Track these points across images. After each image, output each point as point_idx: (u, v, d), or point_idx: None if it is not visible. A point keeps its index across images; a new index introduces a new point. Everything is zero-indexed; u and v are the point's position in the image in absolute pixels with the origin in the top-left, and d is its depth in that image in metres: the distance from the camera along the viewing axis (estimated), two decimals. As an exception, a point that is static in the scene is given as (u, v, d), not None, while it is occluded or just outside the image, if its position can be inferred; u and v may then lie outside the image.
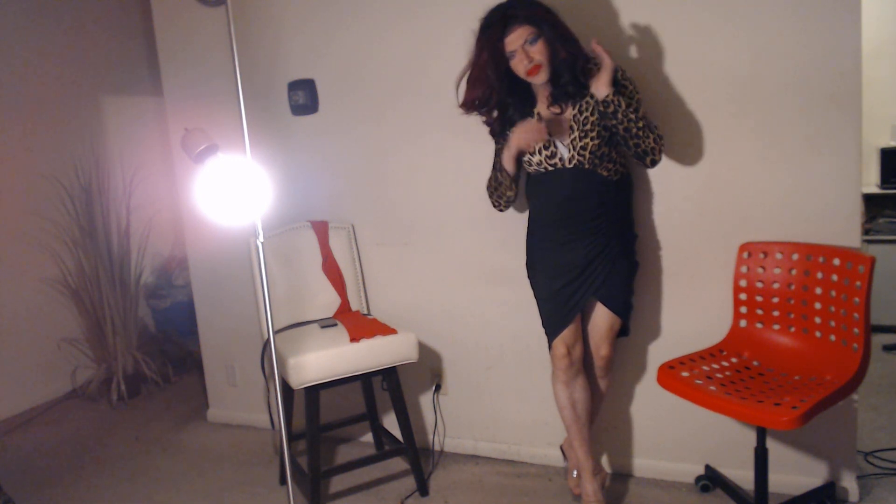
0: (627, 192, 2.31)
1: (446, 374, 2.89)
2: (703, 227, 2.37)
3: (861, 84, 2.12)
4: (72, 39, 4.09)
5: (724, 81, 2.26)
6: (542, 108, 2.21)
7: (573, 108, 2.15)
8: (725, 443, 2.45)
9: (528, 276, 2.38)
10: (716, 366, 2.18)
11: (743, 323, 2.29)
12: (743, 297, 2.28)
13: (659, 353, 2.49)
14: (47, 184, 3.89)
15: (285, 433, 2.21)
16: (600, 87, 2.07)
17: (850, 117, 2.14)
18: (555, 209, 2.23)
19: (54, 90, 3.99)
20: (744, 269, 2.28)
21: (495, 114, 2.24)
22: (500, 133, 2.28)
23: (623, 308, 2.29)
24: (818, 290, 2.14)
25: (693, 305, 2.43)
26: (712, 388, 2.03)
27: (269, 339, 2.20)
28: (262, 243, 2.10)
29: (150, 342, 4.21)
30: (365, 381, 2.81)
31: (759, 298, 2.25)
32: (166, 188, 4.16)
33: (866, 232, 3.95)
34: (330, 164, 2.96)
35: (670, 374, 2.13)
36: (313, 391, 2.45)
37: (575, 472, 2.49)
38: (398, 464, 2.83)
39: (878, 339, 3.75)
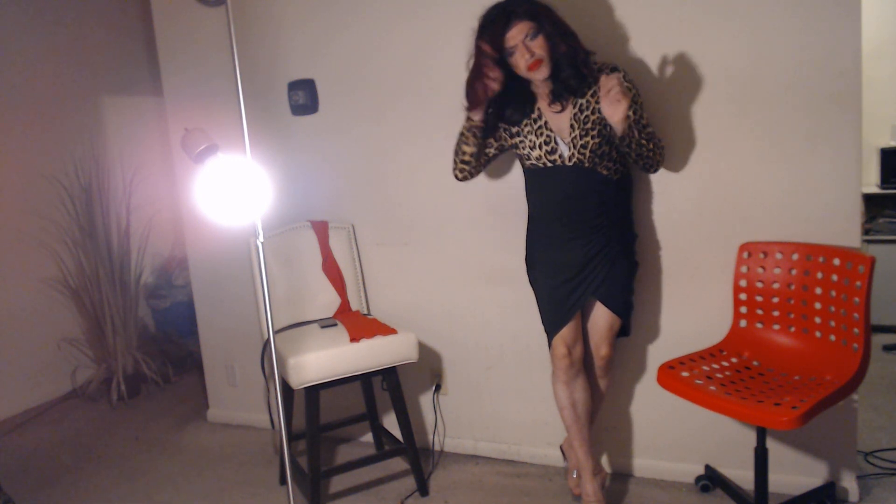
0: (627, 192, 2.31)
1: (446, 374, 2.89)
2: (703, 227, 2.37)
3: (861, 84, 2.12)
4: (72, 39, 4.09)
5: (724, 81, 2.26)
6: (542, 106, 2.20)
7: (574, 107, 2.15)
8: (725, 443, 2.45)
9: (528, 274, 2.38)
10: (716, 366, 2.18)
11: (743, 323, 2.29)
12: (743, 297, 2.28)
13: (659, 353, 2.49)
14: (47, 184, 3.89)
15: (285, 433, 2.21)
16: (617, 123, 2.01)
17: (850, 117, 2.14)
18: (554, 208, 2.23)
19: (54, 90, 3.99)
20: (744, 269, 2.28)
21: (490, 110, 2.21)
22: (491, 131, 2.26)
23: (623, 308, 2.29)
24: (818, 290, 2.14)
25: (693, 305, 2.43)
26: (712, 388, 2.03)
27: (269, 339, 2.20)
28: (262, 243, 2.10)
29: (150, 342, 4.21)
30: (365, 381, 2.80)
31: (759, 298, 2.25)
32: (166, 188, 4.16)
33: (866, 232, 3.95)
34: (330, 164, 2.96)
35: (670, 374, 2.13)
36: (313, 391, 2.45)
37: (575, 472, 2.49)
38: (398, 464, 2.83)
39: (878, 339, 3.75)
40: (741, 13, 2.21)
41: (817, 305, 2.14)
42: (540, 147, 2.19)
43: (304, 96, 2.91)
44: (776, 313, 2.23)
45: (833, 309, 2.08)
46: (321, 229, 2.87)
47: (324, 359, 2.42)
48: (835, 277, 2.09)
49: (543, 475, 2.69)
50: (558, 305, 2.25)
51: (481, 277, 2.74)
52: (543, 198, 2.26)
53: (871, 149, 4.04)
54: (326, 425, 2.90)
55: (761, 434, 2.10)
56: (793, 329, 2.20)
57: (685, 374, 2.12)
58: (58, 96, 4.01)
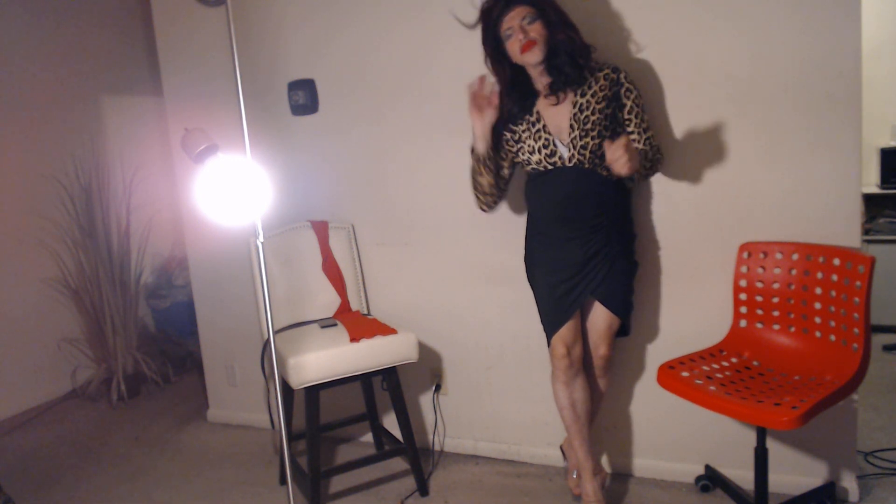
0: (626, 192, 2.31)
1: (446, 374, 2.89)
2: (703, 227, 2.37)
3: (861, 84, 2.12)
4: (72, 39, 4.09)
5: (724, 81, 2.26)
6: (541, 106, 2.21)
7: (573, 107, 2.15)
8: (725, 443, 2.45)
9: (527, 274, 2.38)
10: (716, 366, 2.18)
11: (743, 323, 2.29)
12: (743, 297, 2.28)
13: (659, 353, 2.49)
14: (47, 184, 3.89)
15: (285, 433, 2.21)
16: (619, 169, 1.99)
17: (850, 117, 2.14)
18: (554, 208, 2.23)
19: (54, 90, 3.99)
20: (744, 269, 2.28)
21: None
22: (498, 140, 2.27)
23: (622, 308, 2.29)
24: (818, 290, 2.14)
25: (693, 305, 2.43)
26: (712, 388, 2.03)
27: (269, 339, 2.20)
28: (262, 243, 2.10)
29: (150, 342, 4.21)
30: (365, 381, 2.81)
31: (759, 298, 2.25)
32: (166, 188, 4.16)
33: (866, 232, 3.95)
34: (330, 164, 2.95)
35: (670, 374, 2.13)
36: (313, 391, 2.45)
37: (575, 473, 2.49)
38: (398, 464, 2.83)
39: (878, 339, 3.75)
40: (741, 13, 2.20)
41: (817, 305, 2.14)
42: (539, 151, 2.19)
43: (304, 96, 2.91)
44: (776, 313, 2.23)
45: (833, 309, 2.08)
46: (321, 229, 2.87)
47: (324, 359, 2.42)
48: (835, 277, 2.09)
49: (543, 475, 2.69)
50: (557, 305, 2.25)
51: (481, 277, 2.74)
52: (543, 199, 2.26)
53: (871, 149, 4.04)
54: (326, 425, 2.90)
55: (761, 434, 2.10)
56: (793, 329, 2.20)
57: (685, 374, 2.12)
58: (58, 96, 4.01)
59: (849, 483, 2.33)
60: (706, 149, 2.32)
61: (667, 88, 2.33)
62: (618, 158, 1.97)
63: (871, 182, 4.10)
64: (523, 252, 2.40)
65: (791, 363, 2.15)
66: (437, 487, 2.66)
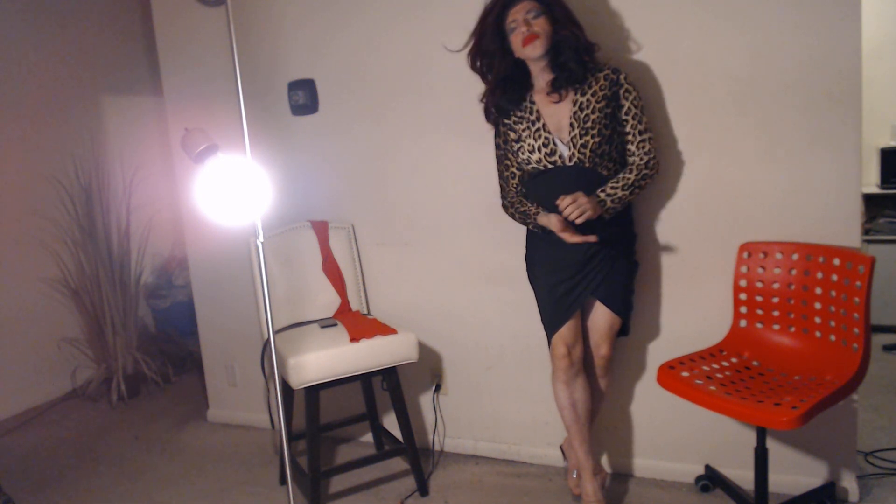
0: (627, 192, 2.31)
1: (446, 374, 2.89)
2: (703, 227, 2.37)
3: (861, 83, 2.12)
4: (72, 39, 4.09)
5: (725, 81, 2.26)
6: (540, 103, 2.20)
7: (574, 106, 2.15)
8: (725, 443, 2.45)
9: (528, 273, 2.38)
10: (716, 366, 2.18)
11: (743, 323, 2.29)
12: (743, 297, 2.28)
13: (659, 353, 2.49)
14: (47, 184, 3.89)
15: (285, 433, 2.21)
16: (574, 219, 2.07)
17: (850, 117, 2.14)
18: (555, 208, 2.22)
19: (54, 90, 3.99)
20: (744, 269, 2.28)
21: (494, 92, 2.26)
22: (495, 117, 2.29)
23: (623, 307, 2.29)
24: (818, 290, 2.14)
25: (693, 305, 2.42)
26: (712, 388, 2.03)
27: (269, 339, 2.20)
28: (262, 243, 2.10)
29: (150, 342, 4.21)
30: (365, 381, 2.81)
31: (759, 298, 2.25)
32: (166, 188, 4.16)
33: (866, 232, 3.95)
34: (330, 164, 2.95)
35: (670, 374, 2.13)
36: (313, 391, 2.45)
37: (575, 473, 2.49)
38: (398, 464, 2.83)
39: (878, 339, 3.75)
40: (741, 13, 2.20)
41: (817, 305, 2.14)
42: (539, 150, 2.19)
43: (304, 96, 2.91)
44: (776, 313, 2.23)
45: (833, 309, 2.08)
46: (321, 229, 2.87)
47: (324, 359, 2.42)
48: (835, 277, 2.09)
49: (543, 475, 2.69)
50: (558, 304, 2.25)
51: (481, 277, 2.74)
52: (544, 199, 2.26)
53: (871, 149, 4.04)
54: (326, 425, 2.90)
55: (761, 434, 2.10)
56: (793, 329, 2.20)
57: (685, 374, 2.12)
58: (58, 96, 4.01)
59: (849, 483, 2.33)
60: (706, 149, 2.32)
61: (667, 88, 2.33)
62: (569, 214, 2.04)
63: (871, 182, 4.10)
64: (524, 251, 2.40)
65: (791, 363, 2.15)
66: (437, 487, 2.66)
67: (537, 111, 2.21)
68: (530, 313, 2.48)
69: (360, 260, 2.94)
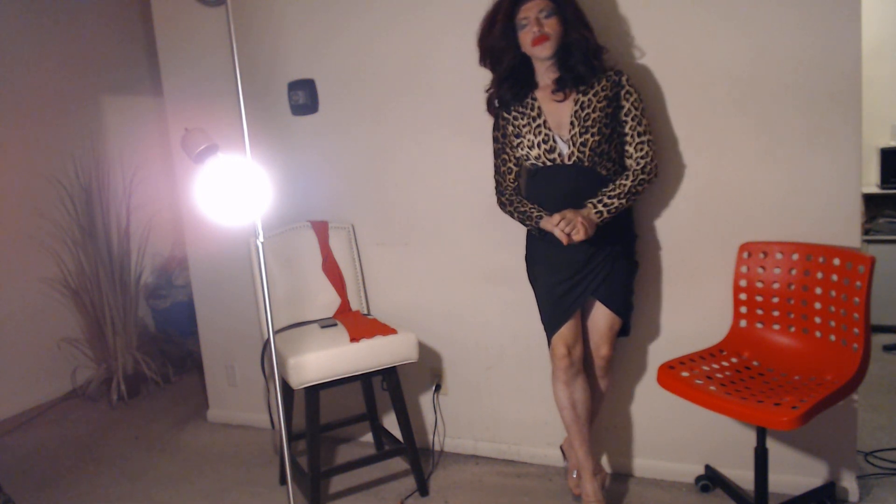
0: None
1: (446, 374, 2.89)
2: (703, 227, 2.37)
3: (861, 84, 2.12)
4: (72, 39, 4.09)
5: (725, 81, 2.26)
6: (542, 101, 2.21)
7: (575, 104, 2.15)
8: (725, 443, 2.45)
9: (528, 272, 2.38)
10: (716, 366, 2.18)
11: (743, 323, 2.29)
12: (743, 297, 2.28)
13: (659, 353, 2.49)
14: (47, 184, 3.89)
15: (285, 433, 2.21)
16: (573, 238, 2.08)
17: (850, 117, 2.14)
18: (554, 207, 2.22)
19: (54, 90, 3.99)
20: (744, 269, 2.28)
21: (500, 85, 2.26)
22: (496, 108, 2.30)
23: (623, 308, 2.29)
24: (818, 290, 2.14)
25: (693, 305, 2.42)
26: (712, 388, 2.03)
27: (269, 339, 2.20)
28: (262, 243, 2.10)
29: (150, 342, 4.21)
30: (365, 381, 2.81)
31: (759, 298, 2.25)
32: (166, 188, 4.16)
33: (866, 232, 3.95)
34: (330, 164, 2.95)
35: (670, 374, 2.13)
36: (313, 391, 2.45)
37: (575, 472, 2.49)
38: (398, 464, 2.83)
39: (878, 339, 3.75)
40: (741, 13, 2.20)
41: (817, 305, 2.14)
42: (538, 146, 2.19)
43: (304, 96, 2.91)
44: (776, 313, 2.23)
45: (833, 309, 2.08)
46: (321, 229, 2.87)
47: (324, 359, 2.42)
48: (835, 277, 2.09)
49: (543, 475, 2.69)
50: (558, 304, 2.25)
51: (481, 277, 2.74)
52: (543, 197, 2.26)
53: (871, 149, 4.04)
54: (326, 425, 2.90)
55: (761, 434, 2.10)
56: (793, 329, 2.20)
57: (685, 374, 2.12)
58: (58, 96, 4.01)
59: (849, 483, 2.33)
60: (707, 149, 2.32)
61: (667, 88, 2.33)
62: (560, 231, 2.05)
63: (871, 182, 4.10)
64: (524, 251, 2.40)
65: (791, 363, 2.15)
66: (437, 487, 2.66)
67: (539, 107, 2.21)
68: (530, 313, 2.48)
69: (360, 260, 2.94)
